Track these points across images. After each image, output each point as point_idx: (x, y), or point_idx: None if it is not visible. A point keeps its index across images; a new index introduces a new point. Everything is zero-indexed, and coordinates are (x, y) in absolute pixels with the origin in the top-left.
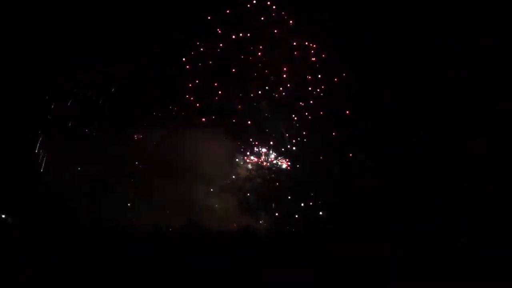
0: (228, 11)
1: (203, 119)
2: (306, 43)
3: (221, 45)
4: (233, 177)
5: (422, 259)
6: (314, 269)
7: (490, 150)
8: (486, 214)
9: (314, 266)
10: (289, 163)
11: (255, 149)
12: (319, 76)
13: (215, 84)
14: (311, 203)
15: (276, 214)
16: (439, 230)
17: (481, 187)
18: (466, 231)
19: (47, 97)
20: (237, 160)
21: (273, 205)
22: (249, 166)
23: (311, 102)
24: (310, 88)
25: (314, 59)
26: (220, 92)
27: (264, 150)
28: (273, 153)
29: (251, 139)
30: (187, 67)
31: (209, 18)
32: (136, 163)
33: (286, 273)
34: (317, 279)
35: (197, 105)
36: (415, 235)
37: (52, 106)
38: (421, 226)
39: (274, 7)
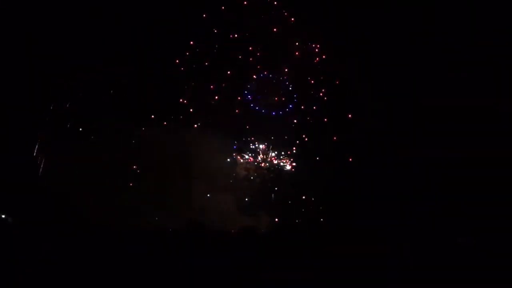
0: (227, 11)
1: (201, 121)
2: (308, 44)
3: (217, 45)
4: (233, 177)
5: (422, 259)
6: (314, 269)
7: (490, 150)
8: (487, 214)
9: (314, 266)
10: (289, 164)
11: (254, 149)
12: (321, 78)
13: (211, 87)
14: (311, 206)
15: (276, 213)
16: (440, 230)
17: (482, 186)
18: (467, 231)
19: (47, 97)
20: (235, 160)
21: (272, 205)
22: (248, 166)
23: (313, 104)
24: (312, 92)
25: (317, 59)
26: (216, 97)
27: (262, 151)
28: (273, 153)
29: (249, 140)
30: (182, 69)
31: (204, 16)
32: (136, 163)
33: (286, 273)
34: (317, 279)
35: (195, 106)
36: (415, 235)
37: (51, 107)
38: (422, 226)
39: (275, 2)
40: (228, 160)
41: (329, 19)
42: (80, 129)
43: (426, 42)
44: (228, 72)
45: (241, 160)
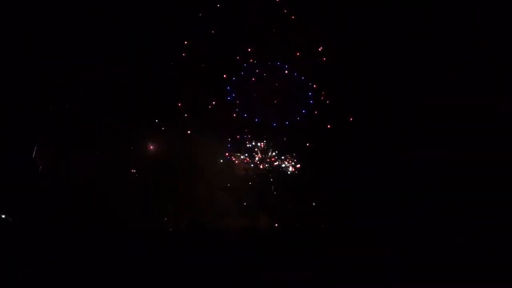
0: (226, 10)
1: (198, 122)
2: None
3: (215, 46)
4: (232, 177)
5: (422, 259)
6: (314, 269)
7: (490, 150)
8: (487, 214)
9: (314, 266)
10: (291, 166)
11: (251, 148)
12: (322, 80)
13: (209, 90)
14: (311, 208)
15: (276, 215)
16: (440, 230)
17: (482, 186)
18: (467, 231)
19: (47, 97)
20: (229, 160)
21: (272, 207)
22: (246, 166)
23: (314, 106)
24: (310, 93)
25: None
26: (214, 102)
27: (261, 150)
28: (273, 153)
29: (246, 137)
30: (179, 70)
31: (201, 15)
32: (135, 163)
33: (286, 273)
34: (317, 279)
35: (192, 107)
36: (415, 235)
37: (51, 107)
38: (422, 226)
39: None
40: (221, 161)
41: (329, 19)
42: (80, 129)
43: (426, 42)
44: (224, 76)
45: (236, 161)
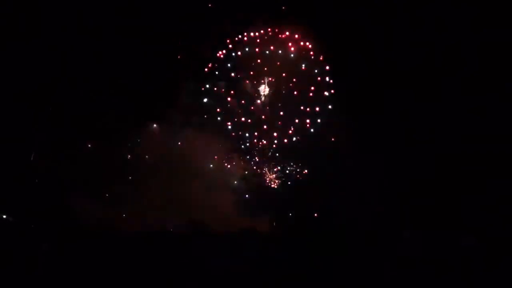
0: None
1: (200, 120)
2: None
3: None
4: (233, 177)
5: (422, 259)
6: (315, 269)
7: (490, 150)
8: (487, 214)
9: (314, 266)
10: (293, 170)
11: (247, 149)
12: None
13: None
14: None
15: (276, 214)
16: (440, 230)
17: (482, 186)
18: (467, 231)
19: (47, 97)
20: (234, 161)
21: (272, 205)
22: (247, 166)
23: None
24: (311, 94)
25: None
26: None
27: (259, 151)
28: (272, 154)
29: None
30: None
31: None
32: (135, 163)
33: (286, 273)
34: (317, 279)
35: (192, 107)
36: (415, 235)
37: (51, 107)
38: (422, 226)
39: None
40: (211, 166)
41: (328, 18)
42: (80, 129)
43: (426, 42)
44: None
45: (230, 164)
